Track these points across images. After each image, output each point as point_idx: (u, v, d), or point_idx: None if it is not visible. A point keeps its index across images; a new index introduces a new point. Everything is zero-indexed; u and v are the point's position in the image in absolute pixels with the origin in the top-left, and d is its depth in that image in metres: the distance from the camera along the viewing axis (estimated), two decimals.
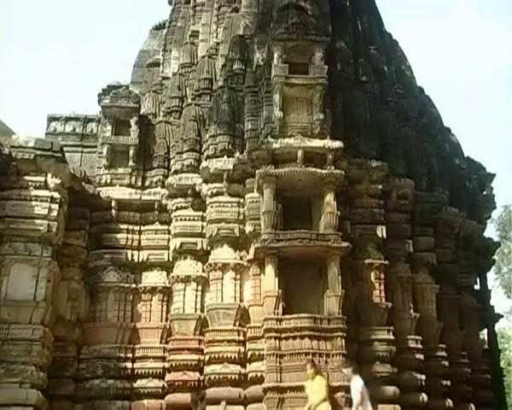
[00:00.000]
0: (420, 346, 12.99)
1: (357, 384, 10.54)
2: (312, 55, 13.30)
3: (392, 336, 12.50)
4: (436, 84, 42.10)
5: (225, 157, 13.58)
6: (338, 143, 12.83)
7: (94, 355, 13.06)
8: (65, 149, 13.87)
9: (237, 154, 13.54)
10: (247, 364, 12.33)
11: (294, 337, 11.62)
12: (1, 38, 54.79)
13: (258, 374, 11.90)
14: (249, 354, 12.30)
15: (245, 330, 12.57)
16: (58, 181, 12.94)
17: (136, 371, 13.04)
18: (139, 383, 12.96)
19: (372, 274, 12.89)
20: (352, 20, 15.98)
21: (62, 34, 57.40)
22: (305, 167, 12.64)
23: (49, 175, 12.91)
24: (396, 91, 15.84)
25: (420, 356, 12.89)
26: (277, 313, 11.81)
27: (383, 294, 12.82)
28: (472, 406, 13.64)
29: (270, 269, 12.14)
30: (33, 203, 12.66)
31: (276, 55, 13.23)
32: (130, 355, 13.15)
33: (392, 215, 13.63)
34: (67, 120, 16.33)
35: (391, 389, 12.11)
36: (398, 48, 17.44)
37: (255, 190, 13.08)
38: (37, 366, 11.94)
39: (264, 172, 12.63)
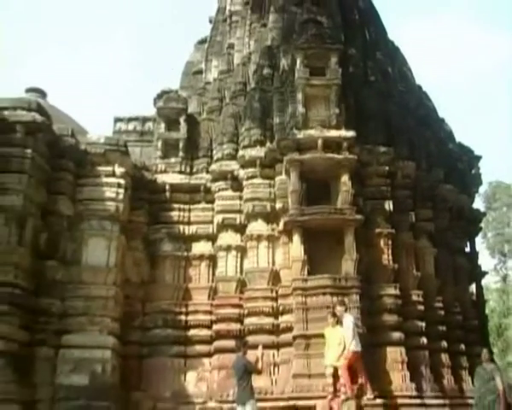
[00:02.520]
0: (421, 299, 13.16)
1: (347, 322, 10.91)
2: (328, 60, 13.43)
3: (398, 292, 12.69)
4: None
5: (258, 147, 13.77)
6: (351, 133, 13.02)
7: (155, 310, 13.42)
8: (128, 144, 14.24)
9: (268, 143, 13.72)
10: (279, 316, 12.61)
11: (317, 294, 11.92)
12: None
13: (288, 324, 12.19)
14: (280, 308, 12.58)
15: (277, 288, 12.83)
16: (123, 170, 13.34)
17: (189, 323, 13.37)
18: (192, 332, 13.30)
19: (381, 241, 13.01)
20: (360, 31, 15.98)
21: (129, 48, 57.13)
22: (324, 154, 12.83)
23: (116, 165, 13.32)
24: (399, 89, 15.89)
25: (421, 307, 13.08)
26: (303, 275, 12.11)
27: (390, 257, 12.95)
28: (463, 345, 13.84)
29: (296, 238, 12.44)
30: (104, 188, 13.11)
31: (298, 61, 13.44)
32: (184, 310, 13.47)
33: (397, 192, 13.70)
34: (129, 120, 16.69)
35: (397, 335, 12.35)
36: (399, 53, 17.39)
37: (283, 174, 13.27)
38: (111, 317, 12.51)
39: (290, 158, 12.86)
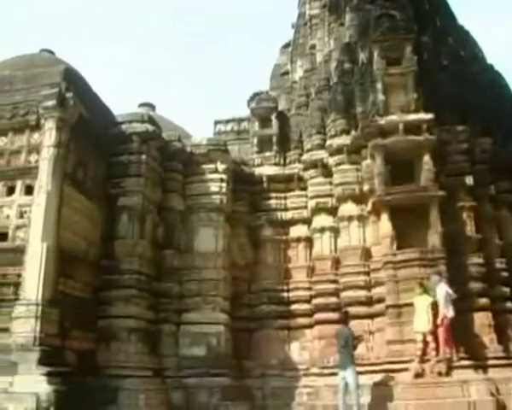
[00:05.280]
0: (504, 266, 12.47)
1: (441, 290, 10.66)
2: (404, 49, 12.96)
3: (482, 260, 12.11)
4: None
5: (344, 135, 13.51)
6: (430, 115, 12.48)
7: (260, 289, 13.55)
8: (227, 142, 14.46)
9: (353, 132, 13.43)
10: (372, 289, 12.41)
11: (406, 267, 11.57)
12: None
13: (381, 296, 11.95)
14: (373, 281, 12.38)
15: (368, 264, 12.62)
16: (224, 166, 13.53)
17: (290, 299, 13.39)
18: (293, 307, 13.33)
19: (464, 214, 12.46)
20: (431, 19, 15.32)
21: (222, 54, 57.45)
22: (405, 136, 12.38)
23: (218, 163, 13.53)
24: (472, 70, 15.06)
25: (505, 274, 12.41)
26: (393, 250, 11.80)
27: (473, 228, 12.39)
28: None
29: (384, 217, 12.14)
30: (209, 184, 13.39)
31: (375, 54, 13.09)
32: (285, 287, 13.49)
33: (476, 167, 13.01)
34: (227, 121, 17.05)
35: (483, 301, 11.81)
36: (469, 36, 16.49)
37: (368, 158, 12.92)
38: (222, 297, 12.78)
39: (374, 143, 12.51)
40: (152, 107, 17.01)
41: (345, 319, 10.94)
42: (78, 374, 9.90)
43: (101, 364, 10.94)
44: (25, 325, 9.41)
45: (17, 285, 9.87)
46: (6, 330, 9.58)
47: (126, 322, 11.41)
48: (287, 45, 18.05)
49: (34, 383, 8.76)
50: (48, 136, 10.53)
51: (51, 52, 12.87)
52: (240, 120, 16.92)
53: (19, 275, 9.91)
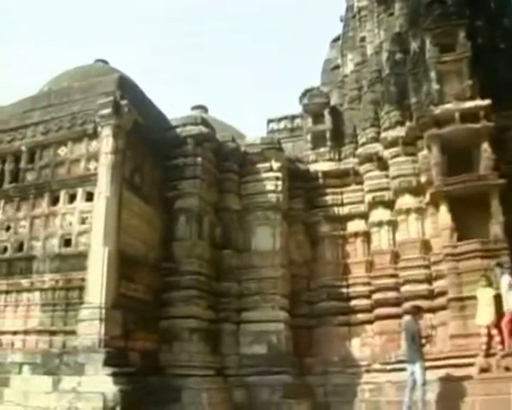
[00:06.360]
0: None
1: (505, 282, 10.26)
2: (456, 35, 12.55)
3: None
4: None
5: (398, 127, 13.26)
6: (486, 102, 12.01)
7: (319, 285, 13.48)
8: (281, 140, 14.55)
9: (407, 123, 13.14)
10: (433, 282, 12.09)
11: (468, 258, 11.21)
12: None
13: (442, 289, 11.63)
14: (434, 274, 12.06)
15: (428, 256, 12.32)
16: (279, 164, 13.56)
17: (349, 295, 13.26)
18: (353, 302, 13.18)
19: None
20: (485, 2, 14.73)
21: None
22: (462, 125, 11.97)
23: (273, 161, 13.57)
24: None
25: None
26: (453, 241, 11.46)
27: None
28: None
29: (443, 208, 11.81)
30: (265, 183, 13.44)
31: (427, 42, 12.73)
32: (344, 283, 13.37)
33: None
34: (280, 119, 17.13)
35: None
36: None
37: (424, 149, 12.61)
38: (281, 295, 12.80)
39: (430, 133, 12.20)
40: (205, 109, 17.31)
41: (417, 314, 10.68)
42: (142, 374, 10.16)
43: (163, 364, 11.20)
44: (90, 328, 9.75)
45: (81, 289, 10.26)
46: (73, 332, 10.00)
47: (188, 322, 11.62)
48: (336, 39, 17.84)
49: (101, 383, 9.06)
50: (105, 143, 10.86)
51: (105, 62, 13.27)
52: (292, 118, 16.96)
53: (82, 279, 10.28)
